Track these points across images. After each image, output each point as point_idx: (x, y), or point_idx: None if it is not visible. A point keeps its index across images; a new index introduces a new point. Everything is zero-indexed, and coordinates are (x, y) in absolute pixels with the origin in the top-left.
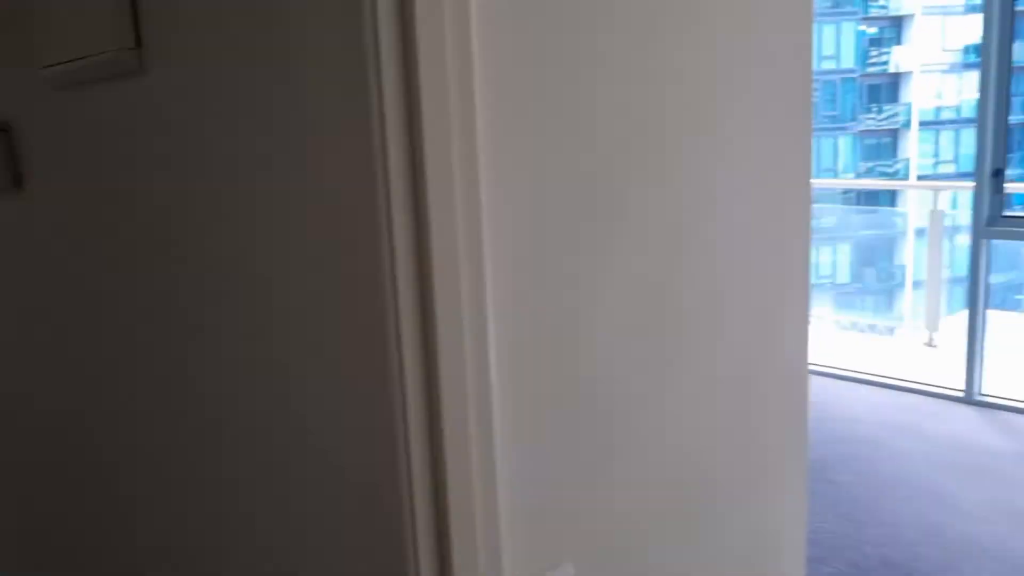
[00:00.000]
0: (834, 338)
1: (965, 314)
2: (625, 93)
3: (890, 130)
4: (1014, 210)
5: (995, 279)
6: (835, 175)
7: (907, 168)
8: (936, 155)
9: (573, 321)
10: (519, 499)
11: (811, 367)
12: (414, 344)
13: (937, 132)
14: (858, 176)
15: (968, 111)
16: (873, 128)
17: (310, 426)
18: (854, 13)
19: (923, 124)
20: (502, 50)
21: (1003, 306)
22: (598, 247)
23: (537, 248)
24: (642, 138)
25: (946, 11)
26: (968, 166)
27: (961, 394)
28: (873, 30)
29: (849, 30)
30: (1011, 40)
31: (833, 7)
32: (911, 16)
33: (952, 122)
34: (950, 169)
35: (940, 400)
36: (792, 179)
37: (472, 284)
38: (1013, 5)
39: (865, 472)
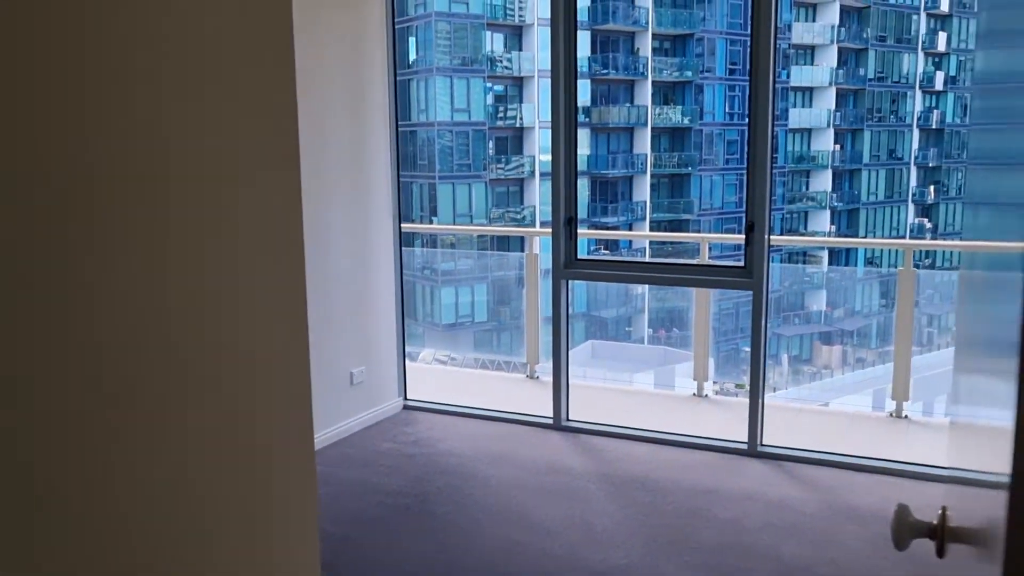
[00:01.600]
0: (461, 375)
1: (585, 346)
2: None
3: (517, 179)
4: (621, 253)
5: (609, 314)
6: (470, 220)
7: (533, 214)
8: None
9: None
10: None
11: (431, 405)
12: None
13: None
14: (491, 221)
15: (580, 163)
16: (502, 177)
17: None
18: (482, 71)
19: (544, 174)
20: None
21: (616, 337)
22: (44, 318)
23: None
24: (88, 206)
25: None
26: (583, 212)
27: (551, 421)
28: (499, 87)
29: (478, 86)
30: (575, 104)
31: (462, 65)
32: (531, 77)
33: None
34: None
35: (534, 428)
36: (275, 250)
37: None
38: (575, 73)
39: (463, 502)
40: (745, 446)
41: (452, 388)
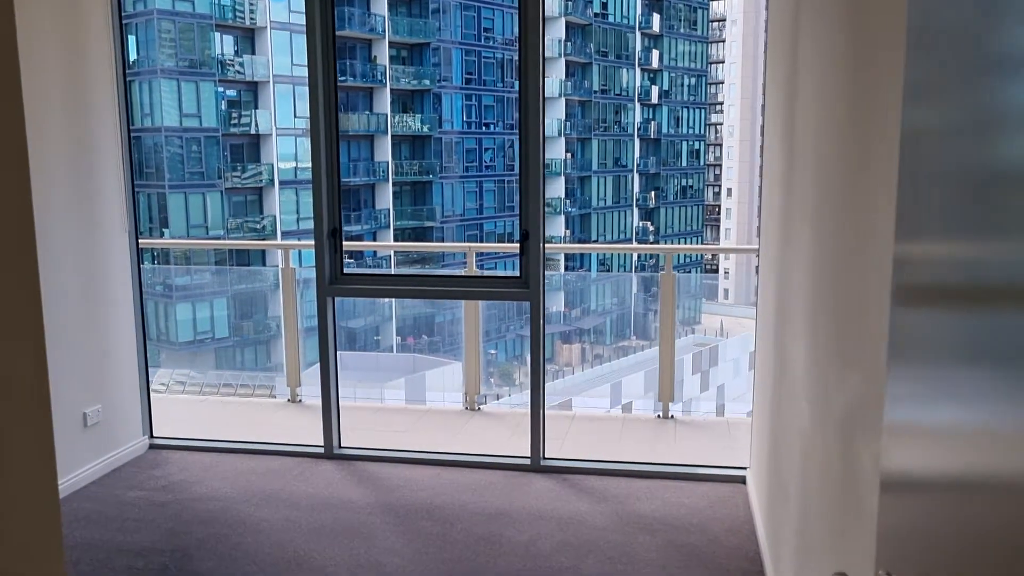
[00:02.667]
0: (214, 405)
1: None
2: None
3: (255, 188)
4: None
5: (357, 323)
6: (206, 232)
7: (274, 223)
8: (298, 212)
9: None
10: None
11: (182, 442)
12: None
13: (297, 190)
14: (228, 232)
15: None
16: (239, 186)
17: None
18: (212, 74)
19: (284, 183)
20: None
21: (366, 347)
22: None
23: None
24: None
25: (295, 81)
26: None
27: (322, 450)
28: (232, 92)
29: (208, 90)
30: (336, 111)
31: (190, 67)
32: (266, 82)
33: (309, 182)
34: (311, 225)
35: (304, 459)
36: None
37: None
38: (336, 80)
39: (231, 553)
40: (528, 461)
41: (205, 420)
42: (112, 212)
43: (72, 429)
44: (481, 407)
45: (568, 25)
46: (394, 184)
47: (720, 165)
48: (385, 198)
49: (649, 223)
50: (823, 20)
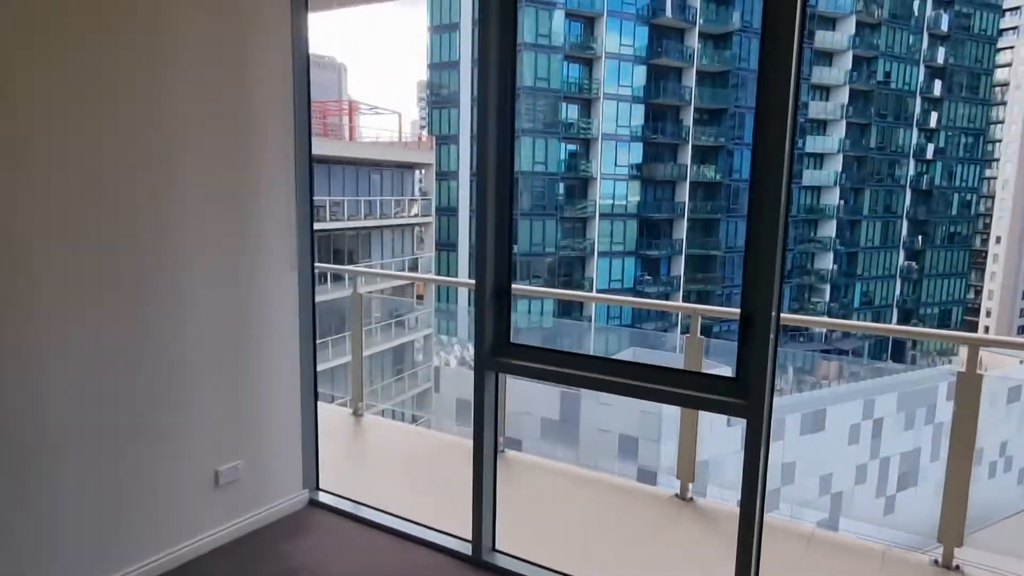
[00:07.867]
0: (425, 439)
1: (626, 353)
2: None
3: (581, 218)
4: None
5: (648, 326)
6: (543, 248)
7: (593, 245)
8: (611, 237)
9: None
10: None
11: (343, 504)
12: None
13: (612, 221)
14: (559, 250)
15: (632, 208)
16: (570, 216)
17: None
18: (557, 132)
19: (603, 215)
20: None
21: (655, 345)
22: None
23: None
24: None
25: (618, 139)
26: (631, 244)
27: (469, 551)
28: (572, 146)
29: (554, 145)
30: (512, 145)
31: (545, 127)
32: (596, 139)
33: (621, 215)
34: (620, 248)
35: (448, 560)
36: None
37: None
38: (514, 96)
39: None
40: None
41: (398, 457)
42: (277, 243)
43: (196, 490)
44: (692, 498)
45: (851, 92)
46: (688, 219)
47: (990, 215)
48: (680, 230)
49: (913, 263)
50: None
